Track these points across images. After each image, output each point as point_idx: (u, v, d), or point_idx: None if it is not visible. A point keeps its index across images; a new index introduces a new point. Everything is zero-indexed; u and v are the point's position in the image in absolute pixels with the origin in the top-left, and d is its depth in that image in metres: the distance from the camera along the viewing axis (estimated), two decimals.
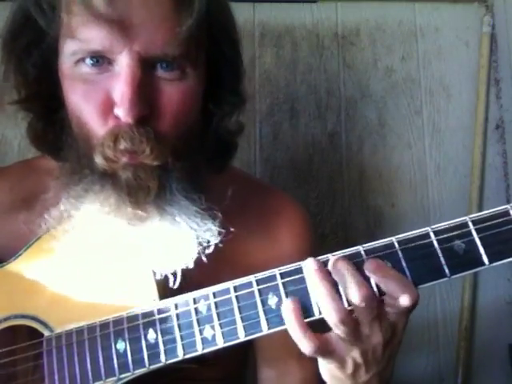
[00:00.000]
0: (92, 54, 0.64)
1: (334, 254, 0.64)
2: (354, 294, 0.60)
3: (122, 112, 0.63)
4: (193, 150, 0.73)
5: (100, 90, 0.65)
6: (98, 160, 0.66)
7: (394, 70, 1.39)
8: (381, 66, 1.39)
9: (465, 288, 1.32)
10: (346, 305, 0.61)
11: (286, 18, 1.38)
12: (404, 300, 0.60)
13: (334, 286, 0.61)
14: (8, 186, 0.86)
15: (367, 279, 0.61)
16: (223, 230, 0.70)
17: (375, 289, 0.61)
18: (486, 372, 1.32)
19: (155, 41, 0.64)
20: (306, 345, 0.61)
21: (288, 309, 0.62)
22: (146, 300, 0.67)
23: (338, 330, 0.61)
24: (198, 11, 0.65)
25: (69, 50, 0.65)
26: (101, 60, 0.65)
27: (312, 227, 0.94)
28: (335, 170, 1.35)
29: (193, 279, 0.70)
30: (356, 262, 0.62)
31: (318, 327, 0.63)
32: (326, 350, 0.63)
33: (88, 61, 0.65)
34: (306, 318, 0.62)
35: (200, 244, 0.69)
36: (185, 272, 0.69)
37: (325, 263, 0.63)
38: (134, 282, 0.68)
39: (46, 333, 0.70)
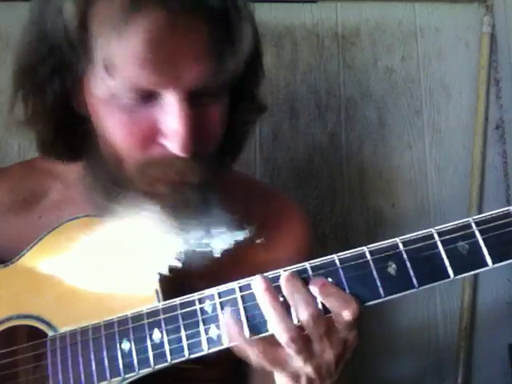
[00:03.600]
0: (136, 91, 0.64)
1: (285, 269, 0.65)
2: (301, 312, 0.61)
3: (177, 148, 0.65)
4: (218, 162, 0.75)
5: (143, 120, 0.66)
6: (141, 184, 0.69)
7: (394, 69, 1.39)
8: (381, 65, 1.39)
9: (465, 288, 1.32)
10: (295, 321, 0.62)
11: (286, 18, 1.38)
12: (346, 315, 0.61)
13: (284, 304, 0.62)
14: (8, 186, 0.85)
15: (314, 297, 0.62)
16: (250, 238, 0.72)
17: (320, 306, 0.62)
18: (486, 372, 1.32)
19: (201, 76, 0.65)
20: (252, 352, 0.62)
21: (228, 318, 0.63)
22: (151, 300, 0.67)
23: (289, 348, 0.62)
24: (240, 44, 0.66)
25: (108, 83, 0.65)
26: (145, 94, 0.65)
27: (312, 229, 0.94)
28: (335, 170, 1.35)
29: (196, 281, 0.70)
30: (304, 278, 0.63)
31: None
32: (275, 360, 0.63)
33: (131, 95, 0.65)
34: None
35: (227, 249, 0.71)
36: (189, 274, 0.69)
37: (274, 279, 0.63)
38: (138, 281, 0.68)
39: (50, 333, 0.69)
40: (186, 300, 0.65)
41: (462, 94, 1.40)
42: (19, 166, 0.91)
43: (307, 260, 0.66)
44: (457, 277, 0.62)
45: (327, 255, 0.65)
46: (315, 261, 0.65)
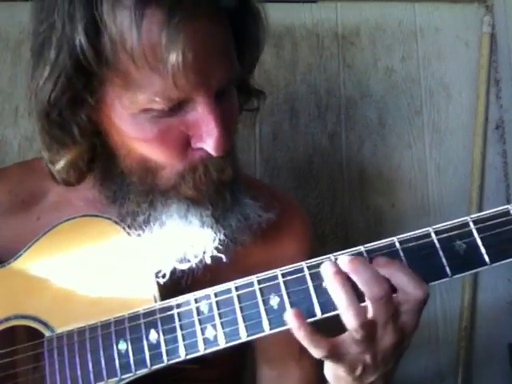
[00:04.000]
0: (167, 102, 0.64)
1: (334, 254, 0.64)
2: (374, 291, 0.60)
3: (214, 148, 0.66)
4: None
5: (176, 128, 0.67)
6: (185, 189, 0.70)
7: (394, 69, 1.39)
8: (381, 65, 1.39)
9: (465, 288, 1.32)
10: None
11: (285, 18, 1.38)
12: (417, 293, 0.60)
13: (352, 288, 0.61)
14: (7, 187, 0.85)
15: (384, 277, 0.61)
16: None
17: None
18: (486, 372, 1.32)
19: (223, 74, 0.66)
20: (316, 350, 0.61)
21: (292, 317, 0.61)
22: (148, 300, 0.67)
23: (357, 334, 0.61)
24: (255, 37, 0.71)
25: (136, 99, 0.64)
26: (176, 103, 0.65)
27: (312, 228, 0.94)
28: (335, 169, 1.35)
29: (194, 280, 0.70)
30: None
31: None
32: (337, 353, 0.62)
33: (164, 107, 0.64)
34: (308, 318, 0.62)
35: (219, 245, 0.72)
36: (187, 272, 0.69)
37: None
38: (135, 282, 0.69)
39: (47, 333, 0.70)
40: (183, 300, 0.65)
41: (462, 93, 1.40)
42: (18, 167, 0.91)
43: (308, 258, 0.66)
44: (454, 276, 0.62)
45: (326, 255, 0.65)
46: (311, 260, 0.65)
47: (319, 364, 0.67)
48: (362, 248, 0.63)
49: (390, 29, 1.40)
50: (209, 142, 0.66)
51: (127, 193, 0.73)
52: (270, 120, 1.34)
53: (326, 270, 0.62)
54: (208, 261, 0.71)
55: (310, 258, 0.66)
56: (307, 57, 1.38)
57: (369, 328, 0.61)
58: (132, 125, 0.67)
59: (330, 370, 0.66)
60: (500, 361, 1.32)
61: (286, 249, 0.87)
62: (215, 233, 0.71)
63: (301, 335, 0.61)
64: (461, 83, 1.40)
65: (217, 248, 0.71)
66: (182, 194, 0.71)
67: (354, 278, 0.61)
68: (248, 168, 1.30)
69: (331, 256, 0.64)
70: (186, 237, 0.70)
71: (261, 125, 1.34)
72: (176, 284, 0.71)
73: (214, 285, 0.67)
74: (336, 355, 0.62)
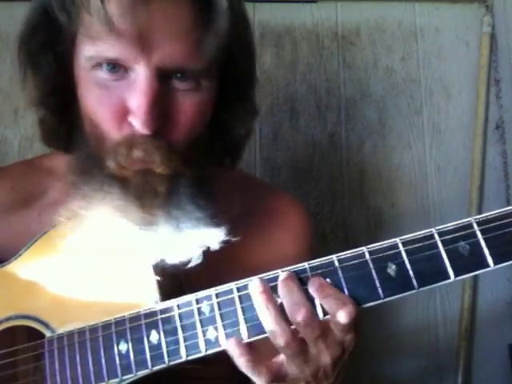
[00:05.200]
0: (109, 61, 0.64)
1: (337, 255, 0.64)
2: (294, 314, 0.61)
3: (139, 123, 0.64)
4: (201, 157, 0.73)
5: (115, 96, 0.66)
6: (110, 164, 0.67)
7: (394, 69, 1.39)
8: (381, 65, 1.39)
9: (465, 288, 1.32)
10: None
11: (285, 18, 1.38)
12: (341, 317, 0.60)
13: (280, 306, 0.62)
14: (9, 185, 0.86)
15: (311, 298, 0.62)
16: (226, 238, 0.70)
17: (319, 308, 0.62)
18: (486, 372, 1.32)
19: (174, 54, 0.64)
20: (259, 378, 0.63)
21: (233, 345, 0.62)
22: (148, 301, 0.67)
23: (286, 352, 0.62)
24: (220, 29, 0.65)
25: (86, 54, 0.65)
26: (117, 67, 0.65)
27: (313, 227, 0.94)
28: (335, 169, 1.35)
29: (194, 279, 0.70)
30: (302, 279, 0.63)
31: None
32: (279, 376, 0.64)
33: (105, 67, 0.65)
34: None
35: (202, 247, 0.69)
36: (186, 272, 0.69)
37: (273, 279, 0.63)
38: (135, 282, 0.68)
39: (48, 333, 0.69)
40: (184, 301, 0.65)
41: (462, 93, 1.40)
42: (20, 165, 0.92)
43: (309, 256, 0.65)
44: (457, 278, 0.61)
45: (327, 255, 0.64)
46: (314, 261, 0.64)
47: None
48: (364, 249, 0.63)
49: (390, 29, 1.40)
50: (134, 116, 0.64)
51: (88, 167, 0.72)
52: (270, 120, 1.34)
53: (253, 287, 0.63)
54: None
55: (311, 255, 0.66)
56: (307, 57, 1.38)
57: (296, 346, 0.62)
58: (85, 84, 0.68)
59: None
60: (500, 361, 1.32)
61: (286, 247, 0.86)
62: (135, 221, 0.68)
63: (242, 362, 0.62)
64: (461, 83, 1.40)
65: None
66: (110, 169, 0.68)
67: (280, 297, 0.62)
68: (248, 168, 1.30)
69: (334, 256, 0.63)
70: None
71: (261, 125, 1.34)
72: (174, 276, 0.71)
73: (214, 278, 0.67)
74: (277, 378, 0.64)
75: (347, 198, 1.35)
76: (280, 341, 0.61)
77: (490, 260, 0.60)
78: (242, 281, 0.64)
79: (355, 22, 1.40)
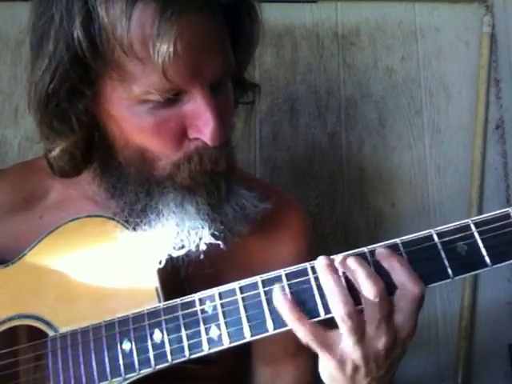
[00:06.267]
0: (163, 93, 0.65)
1: (337, 255, 0.64)
2: (368, 287, 0.61)
3: (210, 139, 0.68)
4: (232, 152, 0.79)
5: (172, 119, 0.68)
6: (180, 179, 0.71)
7: (394, 69, 1.39)
8: (381, 65, 1.39)
9: (465, 288, 1.32)
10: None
11: (285, 18, 1.38)
12: (415, 290, 0.61)
13: (344, 282, 0.63)
14: (10, 186, 0.86)
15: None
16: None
17: None
18: (486, 372, 1.32)
19: (219, 68, 0.68)
20: (301, 331, 0.62)
21: (279, 296, 0.63)
22: (151, 300, 0.67)
23: (343, 324, 0.61)
24: (248, 36, 0.73)
25: (133, 90, 0.66)
26: (171, 94, 0.67)
27: (311, 227, 0.95)
28: (335, 169, 1.35)
29: (194, 270, 0.70)
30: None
31: None
32: (324, 342, 0.63)
33: (158, 98, 0.66)
34: (311, 318, 0.63)
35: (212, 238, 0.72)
36: (186, 261, 0.70)
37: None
38: (137, 277, 0.69)
39: (51, 333, 0.69)
40: (187, 300, 0.65)
41: (462, 93, 1.40)
42: (20, 167, 0.92)
43: (308, 257, 0.67)
44: (456, 277, 0.62)
45: (327, 255, 0.65)
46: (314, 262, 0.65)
47: (315, 364, 0.67)
48: (365, 249, 0.64)
49: (390, 29, 1.41)
50: (205, 133, 0.68)
51: (125, 184, 0.74)
52: (270, 120, 1.34)
53: (320, 262, 0.64)
54: (203, 247, 0.71)
55: (308, 256, 0.67)
56: (307, 57, 1.38)
57: (356, 321, 0.61)
58: (129, 116, 0.69)
59: (322, 366, 0.66)
60: (500, 361, 1.32)
61: (284, 247, 0.87)
62: (211, 220, 0.72)
63: (285, 312, 0.63)
64: (461, 83, 1.40)
65: (213, 234, 0.72)
66: (178, 183, 0.72)
67: (349, 275, 0.63)
68: (248, 168, 1.30)
69: (338, 255, 0.64)
70: (183, 225, 0.71)
71: (261, 125, 1.34)
72: (176, 274, 0.72)
73: (213, 277, 0.68)
74: (322, 343, 0.63)
75: (347, 198, 1.35)
76: (341, 311, 0.61)
77: (487, 259, 0.63)
78: (245, 280, 0.65)
79: (355, 22, 1.40)
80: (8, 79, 1.29)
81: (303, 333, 0.62)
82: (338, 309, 0.61)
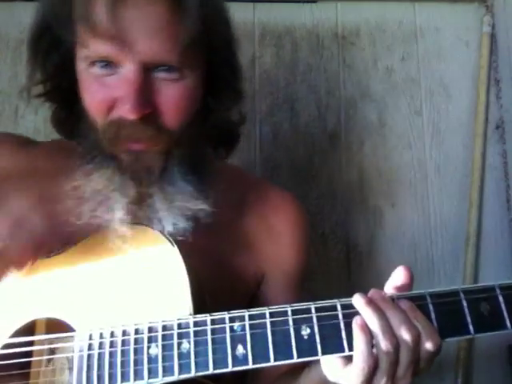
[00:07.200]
0: (100, 58, 0.73)
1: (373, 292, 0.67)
2: (404, 332, 0.62)
3: (127, 110, 0.72)
4: (193, 139, 0.81)
5: (108, 89, 0.74)
6: (104, 144, 0.76)
7: (394, 69, 1.39)
8: (381, 66, 1.39)
9: None
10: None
11: (285, 18, 1.38)
12: (429, 346, 0.63)
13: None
14: (45, 151, 0.91)
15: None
16: (213, 209, 0.77)
17: None
18: (486, 372, 1.32)
19: (153, 49, 0.72)
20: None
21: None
22: (181, 310, 0.68)
23: (359, 371, 0.63)
24: (193, 22, 0.72)
25: (82, 55, 0.74)
26: (109, 64, 0.73)
27: (308, 220, 0.97)
28: (335, 169, 1.35)
29: (194, 259, 0.72)
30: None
31: None
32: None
33: (98, 64, 0.73)
34: (335, 353, 0.64)
35: (191, 220, 0.76)
36: (186, 251, 0.72)
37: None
38: (169, 290, 0.69)
39: (77, 334, 0.69)
40: (217, 317, 0.66)
41: (462, 93, 1.40)
42: (50, 142, 0.96)
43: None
44: (477, 335, 0.65)
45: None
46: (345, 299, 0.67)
47: None
48: (393, 296, 0.66)
49: (390, 29, 1.41)
50: (122, 103, 0.72)
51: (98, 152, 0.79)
52: (270, 120, 1.34)
53: (358, 299, 0.65)
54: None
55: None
56: (307, 57, 1.38)
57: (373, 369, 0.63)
58: (83, 80, 0.76)
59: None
60: (500, 361, 1.32)
61: (282, 237, 0.91)
62: (131, 198, 0.76)
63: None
64: (461, 83, 1.40)
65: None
66: (105, 148, 0.77)
67: (388, 314, 0.64)
68: (248, 168, 1.30)
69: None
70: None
71: (261, 125, 1.34)
72: (201, 298, 0.73)
73: (211, 259, 0.77)
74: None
75: (347, 198, 1.35)
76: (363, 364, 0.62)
77: (508, 323, 0.66)
78: (275, 307, 0.66)
79: (355, 22, 1.40)
80: (8, 79, 1.28)
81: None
82: (361, 358, 0.62)
